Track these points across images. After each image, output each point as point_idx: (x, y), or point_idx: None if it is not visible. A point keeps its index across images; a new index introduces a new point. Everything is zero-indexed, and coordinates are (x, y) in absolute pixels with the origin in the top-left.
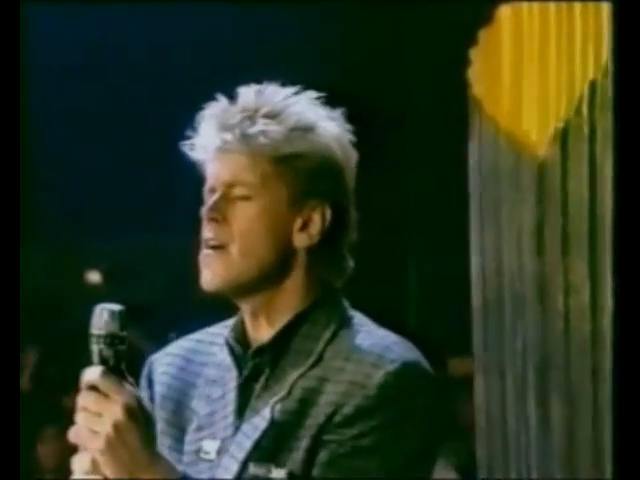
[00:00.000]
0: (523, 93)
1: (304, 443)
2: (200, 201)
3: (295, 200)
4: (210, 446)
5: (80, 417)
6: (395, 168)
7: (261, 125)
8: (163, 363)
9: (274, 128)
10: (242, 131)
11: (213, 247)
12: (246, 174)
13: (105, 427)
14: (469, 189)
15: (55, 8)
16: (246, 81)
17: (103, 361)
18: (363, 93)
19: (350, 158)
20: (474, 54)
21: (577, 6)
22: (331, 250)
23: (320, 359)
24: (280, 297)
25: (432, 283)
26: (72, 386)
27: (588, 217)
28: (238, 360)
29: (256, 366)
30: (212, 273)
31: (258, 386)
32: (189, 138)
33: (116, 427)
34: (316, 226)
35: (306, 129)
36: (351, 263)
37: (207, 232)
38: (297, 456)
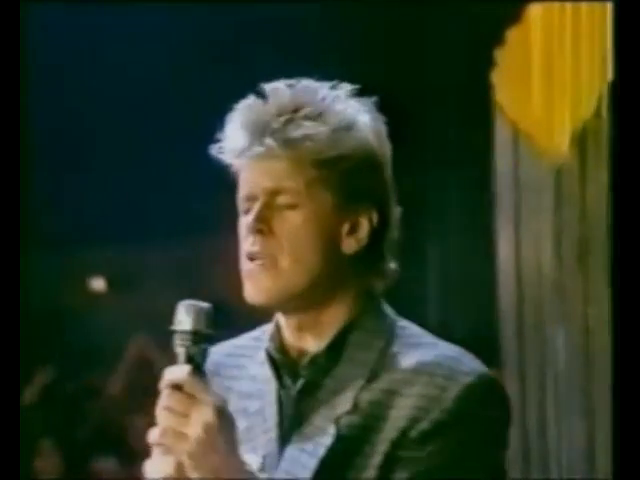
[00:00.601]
0: (545, 96)
1: (376, 460)
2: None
3: (341, 204)
4: (251, 460)
5: (165, 418)
6: (414, 168)
7: (305, 128)
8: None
9: (318, 130)
10: (285, 135)
11: (259, 259)
12: (290, 181)
13: (195, 429)
14: (492, 192)
15: (55, 8)
16: (249, 77)
17: (189, 359)
18: (383, 93)
19: (387, 150)
20: (500, 55)
21: (597, 6)
22: (375, 253)
23: (379, 370)
24: (328, 306)
25: (455, 285)
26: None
27: (607, 224)
28: (278, 372)
29: (310, 377)
30: (260, 287)
31: (312, 399)
32: (217, 140)
33: (206, 429)
34: (364, 229)
35: (348, 127)
36: (394, 265)
37: (252, 244)
38: (369, 474)
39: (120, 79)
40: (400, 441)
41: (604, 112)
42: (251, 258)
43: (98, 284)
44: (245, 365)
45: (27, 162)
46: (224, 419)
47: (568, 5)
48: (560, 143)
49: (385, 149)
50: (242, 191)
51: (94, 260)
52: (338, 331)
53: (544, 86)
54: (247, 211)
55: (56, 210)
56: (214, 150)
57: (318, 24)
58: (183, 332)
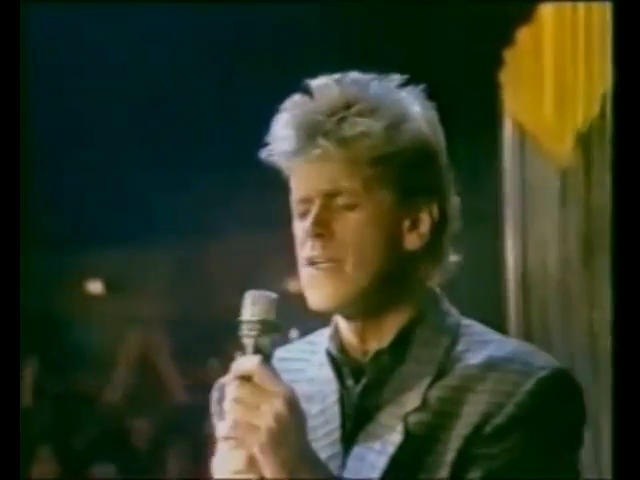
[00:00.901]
0: (553, 97)
1: (449, 457)
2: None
3: (401, 200)
4: None
5: (235, 410)
6: None
7: (359, 125)
8: None
9: (373, 126)
10: (340, 135)
11: (321, 264)
12: (347, 181)
13: (266, 420)
14: (499, 193)
15: (55, 8)
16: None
17: (257, 350)
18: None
19: (441, 138)
20: (509, 55)
21: (606, 6)
22: (436, 247)
23: (446, 367)
24: (391, 306)
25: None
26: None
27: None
28: (339, 372)
29: (374, 375)
30: (324, 293)
31: (377, 397)
32: (265, 143)
33: (278, 420)
34: (425, 224)
35: (401, 120)
36: (454, 258)
37: (312, 249)
38: (441, 471)
39: (119, 79)
40: (473, 437)
41: (609, 113)
42: (311, 263)
43: (95, 286)
44: (302, 368)
45: (27, 162)
46: (295, 409)
47: (580, 5)
48: (566, 144)
49: (439, 137)
50: (296, 194)
51: (92, 262)
52: (402, 328)
53: (552, 87)
54: (303, 215)
55: (55, 210)
56: (263, 153)
57: (319, 24)
58: (251, 322)
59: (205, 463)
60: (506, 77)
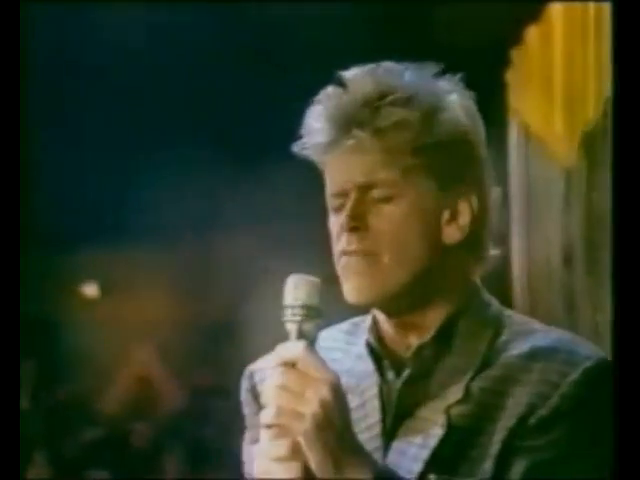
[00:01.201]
0: (558, 98)
1: (493, 450)
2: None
3: (439, 191)
4: None
5: (279, 397)
6: None
7: (395, 115)
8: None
9: (409, 116)
10: (375, 125)
11: (357, 258)
12: (384, 172)
13: (311, 407)
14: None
15: (55, 8)
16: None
17: (301, 335)
18: None
19: (480, 128)
20: (516, 55)
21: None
22: (476, 240)
23: (489, 359)
24: (431, 300)
25: None
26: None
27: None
28: (379, 365)
29: (417, 368)
30: (362, 287)
31: (418, 391)
32: (299, 137)
33: (324, 407)
34: (465, 216)
35: (438, 109)
36: (494, 251)
37: (348, 243)
38: (485, 464)
39: (120, 80)
40: (518, 429)
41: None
42: (347, 257)
43: (91, 289)
44: (339, 359)
45: (27, 163)
46: (340, 397)
47: (590, 5)
48: (571, 145)
49: (478, 127)
50: (331, 188)
51: (88, 263)
52: (444, 321)
53: (559, 88)
54: (338, 209)
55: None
56: (297, 147)
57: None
58: (294, 307)
59: (201, 468)
60: (513, 77)
